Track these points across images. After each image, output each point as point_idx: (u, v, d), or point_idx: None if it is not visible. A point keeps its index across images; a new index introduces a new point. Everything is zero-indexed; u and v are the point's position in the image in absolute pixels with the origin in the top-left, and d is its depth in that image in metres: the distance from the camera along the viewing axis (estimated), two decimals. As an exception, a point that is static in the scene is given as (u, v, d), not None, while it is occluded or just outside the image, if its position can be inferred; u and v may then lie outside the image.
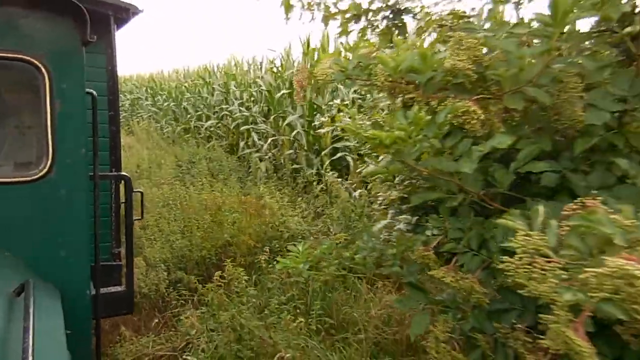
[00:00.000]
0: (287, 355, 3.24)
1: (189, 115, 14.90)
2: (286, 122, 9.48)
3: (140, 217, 3.99)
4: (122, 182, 3.81)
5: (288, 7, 2.22)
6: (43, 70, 2.34)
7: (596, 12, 1.60)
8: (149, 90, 19.76)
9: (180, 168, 10.15)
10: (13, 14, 2.30)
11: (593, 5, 1.55)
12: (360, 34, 2.54)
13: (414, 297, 2.20)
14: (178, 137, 14.13)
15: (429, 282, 2.33)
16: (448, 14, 2.21)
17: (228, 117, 12.55)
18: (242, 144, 11.40)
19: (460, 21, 2.15)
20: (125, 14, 4.11)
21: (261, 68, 13.21)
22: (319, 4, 2.27)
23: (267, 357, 3.57)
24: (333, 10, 2.32)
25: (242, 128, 11.50)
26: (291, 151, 9.63)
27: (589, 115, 1.75)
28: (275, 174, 9.39)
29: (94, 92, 2.87)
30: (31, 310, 1.70)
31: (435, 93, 1.93)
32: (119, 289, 3.77)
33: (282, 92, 10.09)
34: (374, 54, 1.96)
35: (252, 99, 11.81)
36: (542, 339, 1.71)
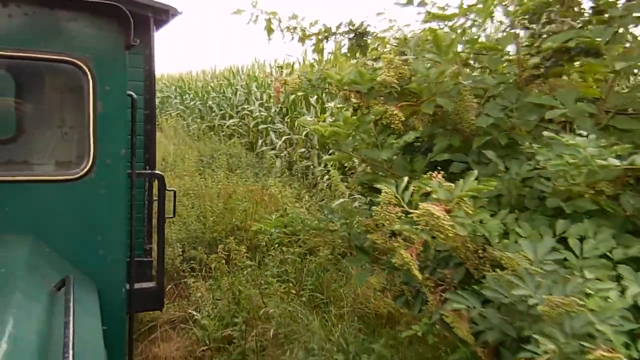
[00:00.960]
0: (272, 310, 3.90)
1: (213, 114, 15.76)
2: (298, 121, 10.17)
3: (172, 216, 4.05)
4: (156, 180, 3.87)
5: (270, 30, 2.88)
6: (87, 72, 2.40)
7: (472, 46, 2.21)
8: (177, 90, 20.77)
9: (202, 162, 10.96)
10: (60, 18, 2.35)
11: (471, 41, 2.17)
12: (332, 52, 3.19)
13: (360, 258, 2.84)
14: (202, 134, 14.99)
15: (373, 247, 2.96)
16: (393, 38, 2.83)
17: (249, 117, 13.33)
18: (260, 142, 12.15)
19: (397, 45, 2.78)
20: (164, 16, 4.15)
21: (282, 71, 13.94)
22: (295, 28, 2.92)
23: (258, 317, 4.25)
24: (308, 32, 2.98)
25: (260, 127, 12.25)
26: (304, 149, 10.31)
27: (479, 120, 2.35)
28: (288, 170, 10.09)
29: (134, 94, 2.93)
30: (71, 306, 1.74)
31: (374, 99, 2.57)
32: (150, 284, 3.82)
33: (298, 93, 10.78)
34: (327, 69, 2.60)
35: (272, 99, 12.55)
36: (442, 285, 2.34)
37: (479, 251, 1.83)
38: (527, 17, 2.47)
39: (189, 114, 18.18)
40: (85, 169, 2.44)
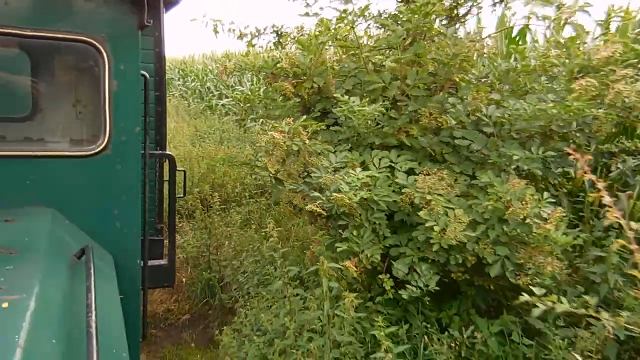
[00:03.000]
0: (234, 235, 5.38)
1: (211, 94, 17.19)
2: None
3: (182, 195, 4.25)
4: (167, 160, 3.98)
5: (216, 32, 4.28)
6: (103, 51, 2.41)
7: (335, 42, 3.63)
8: (180, 72, 22.16)
9: (197, 136, 12.44)
10: None
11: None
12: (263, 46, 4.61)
13: (276, 184, 4.28)
14: (200, 113, 16.45)
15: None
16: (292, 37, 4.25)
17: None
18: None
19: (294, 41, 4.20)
20: None
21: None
22: (234, 30, 4.33)
23: (222, 241, 5.74)
24: (244, 32, 4.39)
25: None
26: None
27: (337, 91, 3.77)
28: (272, 143, 11.52)
29: (147, 74, 2.97)
30: (92, 272, 1.81)
31: (279, 79, 3.99)
32: (161, 262, 3.96)
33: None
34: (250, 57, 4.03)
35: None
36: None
37: (311, 158, 3.28)
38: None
39: (190, 95, 19.62)
40: (102, 146, 2.51)
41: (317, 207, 2.77)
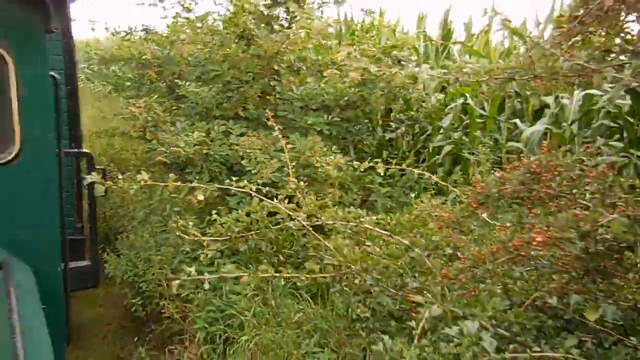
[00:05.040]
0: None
1: (115, 77, 17.59)
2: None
3: (103, 194, 4.46)
4: (84, 159, 3.81)
5: (92, 29, 5.33)
6: (8, 58, 2.33)
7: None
8: (84, 54, 22.08)
9: (100, 117, 13.14)
10: None
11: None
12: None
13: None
14: (104, 96, 16.92)
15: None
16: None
17: (145, 79, 15.43)
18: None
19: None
20: None
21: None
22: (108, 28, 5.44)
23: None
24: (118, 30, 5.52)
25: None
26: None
27: (189, 77, 5.04)
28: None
29: (57, 75, 2.86)
30: (12, 290, 1.80)
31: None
32: (84, 263, 3.81)
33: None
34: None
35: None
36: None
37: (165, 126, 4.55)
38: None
39: (95, 77, 19.76)
40: (13, 154, 2.44)
41: (163, 157, 4.06)
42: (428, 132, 6.19)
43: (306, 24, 4.32)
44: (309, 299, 3.40)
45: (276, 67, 4.94)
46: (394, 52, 4.72)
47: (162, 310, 3.90)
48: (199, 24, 4.88)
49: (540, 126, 5.25)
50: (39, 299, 2.08)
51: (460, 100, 5.81)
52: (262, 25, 4.83)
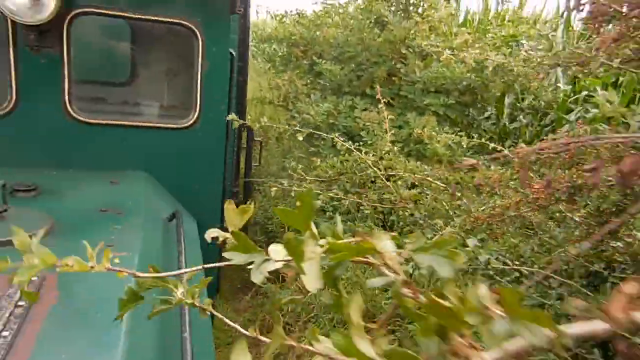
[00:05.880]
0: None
1: (270, 54, 19.43)
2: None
3: (258, 164, 4.27)
4: (245, 130, 3.94)
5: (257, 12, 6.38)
6: (198, 35, 2.59)
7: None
8: (253, 34, 24.57)
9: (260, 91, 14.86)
10: None
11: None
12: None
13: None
14: (264, 72, 18.84)
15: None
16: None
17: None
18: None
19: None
20: None
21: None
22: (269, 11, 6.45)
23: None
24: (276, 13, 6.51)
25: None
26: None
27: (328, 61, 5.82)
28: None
29: (234, 53, 3.07)
30: (182, 238, 2.08)
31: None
32: None
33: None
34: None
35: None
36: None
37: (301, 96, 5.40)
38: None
39: (258, 55, 22.00)
40: (192, 120, 2.73)
41: (296, 124, 4.92)
42: (553, 124, 6.16)
43: (431, 13, 4.76)
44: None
45: (404, 51, 5.47)
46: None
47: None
48: (341, 10, 5.60)
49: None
50: (199, 247, 2.35)
51: (584, 93, 5.70)
52: (399, 11, 5.39)
